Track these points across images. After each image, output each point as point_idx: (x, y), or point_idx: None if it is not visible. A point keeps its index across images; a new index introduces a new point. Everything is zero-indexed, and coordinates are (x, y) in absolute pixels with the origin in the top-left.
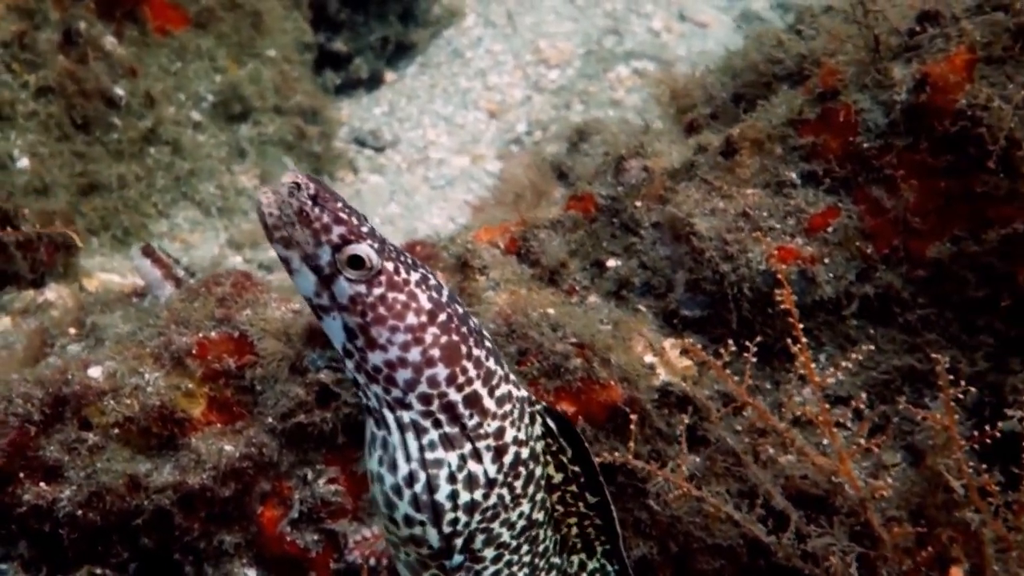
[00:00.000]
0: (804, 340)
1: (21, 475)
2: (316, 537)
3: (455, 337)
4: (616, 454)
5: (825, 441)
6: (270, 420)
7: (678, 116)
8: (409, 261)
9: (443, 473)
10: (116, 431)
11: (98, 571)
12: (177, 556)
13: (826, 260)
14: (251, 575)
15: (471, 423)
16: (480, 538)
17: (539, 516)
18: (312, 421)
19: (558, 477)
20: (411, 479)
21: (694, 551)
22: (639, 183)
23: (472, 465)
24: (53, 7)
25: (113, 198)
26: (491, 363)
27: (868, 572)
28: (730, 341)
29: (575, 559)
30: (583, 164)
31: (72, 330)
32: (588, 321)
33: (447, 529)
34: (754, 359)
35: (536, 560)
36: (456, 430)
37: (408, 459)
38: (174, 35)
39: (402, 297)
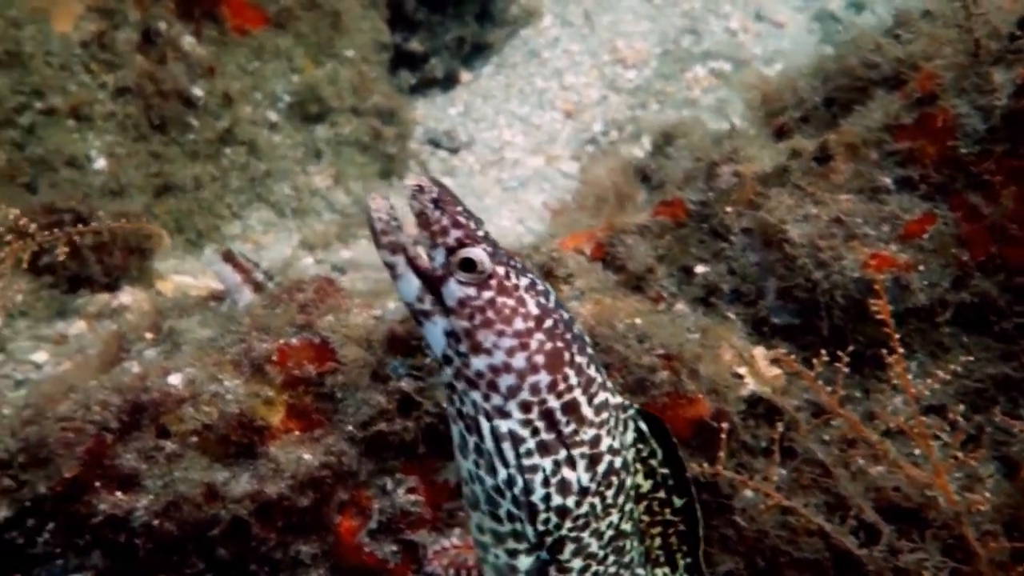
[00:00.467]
0: (901, 351)
1: (97, 484)
2: (394, 548)
3: (559, 343)
4: (705, 466)
5: (917, 451)
6: (350, 428)
7: (767, 119)
8: (519, 266)
9: (538, 477)
10: (194, 439)
11: None
12: (253, 567)
13: (921, 267)
14: None
15: (567, 430)
16: (569, 547)
17: (627, 527)
18: (393, 430)
19: (646, 485)
20: (510, 482)
21: (781, 565)
22: (730, 188)
23: (566, 471)
24: (133, 7)
25: (188, 199)
26: (591, 370)
27: None
28: (823, 352)
29: (659, 572)
30: (668, 168)
31: (149, 335)
32: (676, 330)
33: (540, 527)
34: (846, 369)
35: (621, 571)
36: (552, 436)
37: (506, 464)
38: (252, 34)
39: (511, 302)
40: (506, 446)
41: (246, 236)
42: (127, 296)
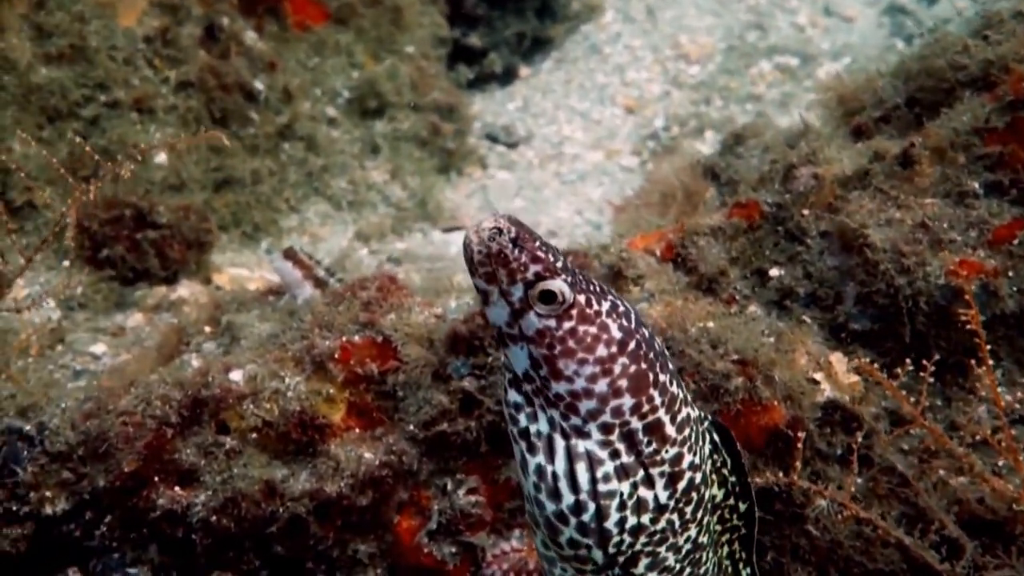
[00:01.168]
0: (990, 361)
1: (156, 479)
2: (453, 550)
3: (643, 365)
4: (780, 475)
5: (1001, 463)
6: (411, 427)
7: (844, 118)
8: (599, 289)
9: (614, 503)
10: (254, 436)
11: None
12: (309, 565)
13: (1010, 273)
14: None
15: (648, 450)
16: (644, 561)
17: (704, 539)
18: (455, 430)
19: (719, 494)
20: (578, 509)
21: None
22: (808, 190)
23: (643, 491)
24: (196, 3)
25: (246, 193)
26: (674, 387)
27: None
28: (908, 360)
29: None
30: (738, 167)
31: (207, 328)
32: (750, 335)
33: (612, 550)
34: (931, 379)
35: None
36: (632, 459)
37: (576, 490)
38: (313, 30)
39: (593, 330)
40: (580, 467)
41: (303, 229)
42: (184, 289)
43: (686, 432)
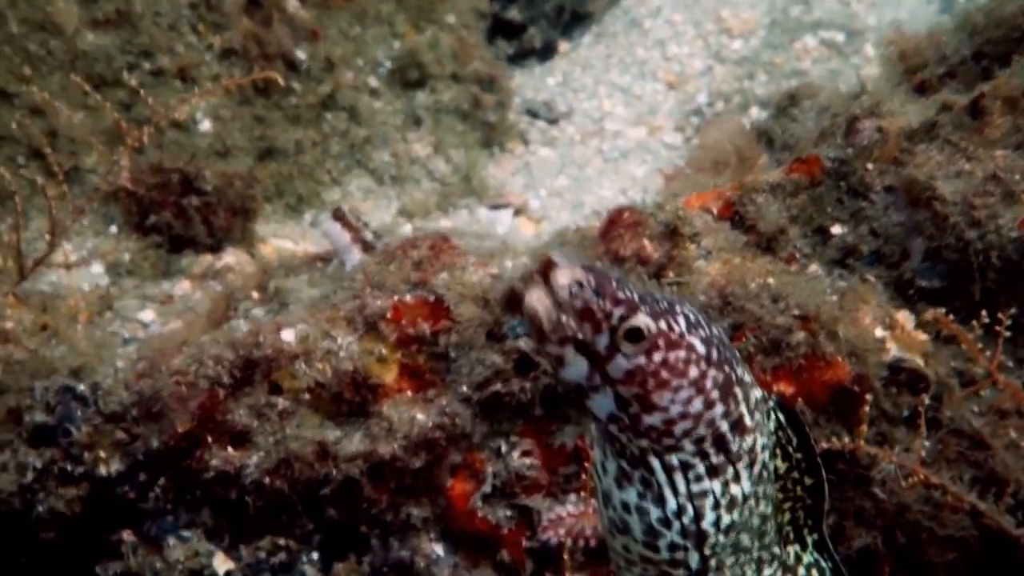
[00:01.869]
0: None
1: (209, 439)
2: (508, 513)
3: (726, 369)
4: (846, 440)
5: None
6: (464, 388)
7: (905, 76)
8: (668, 306)
9: (708, 502)
10: (307, 396)
11: (281, 542)
12: (363, 528)
13: None
14: (438, 550)
15: (735, 447)
16: (728, 550)
17: (769, 511)
18: (510, 391)
19: (783, 467)
20: (680, 512)
21: (923, 542)
22: (871, 144)
23: (733, 488)
24: None
25: (289, 164)
26: (745, 375)
27: None
28: (983, 312)
29: (791, 550)
30: (793, 129)
31: (255, 294)
32: (812, 291)
33: (707, 552)
34: (1007, 333)
35: (763, 554)
36: (722, 458)
37: (676, 494)
38: None
39: (682, 354)
40: (677, 476)
41: (346, 202)
42: (230, 257)
43: (758, 416)
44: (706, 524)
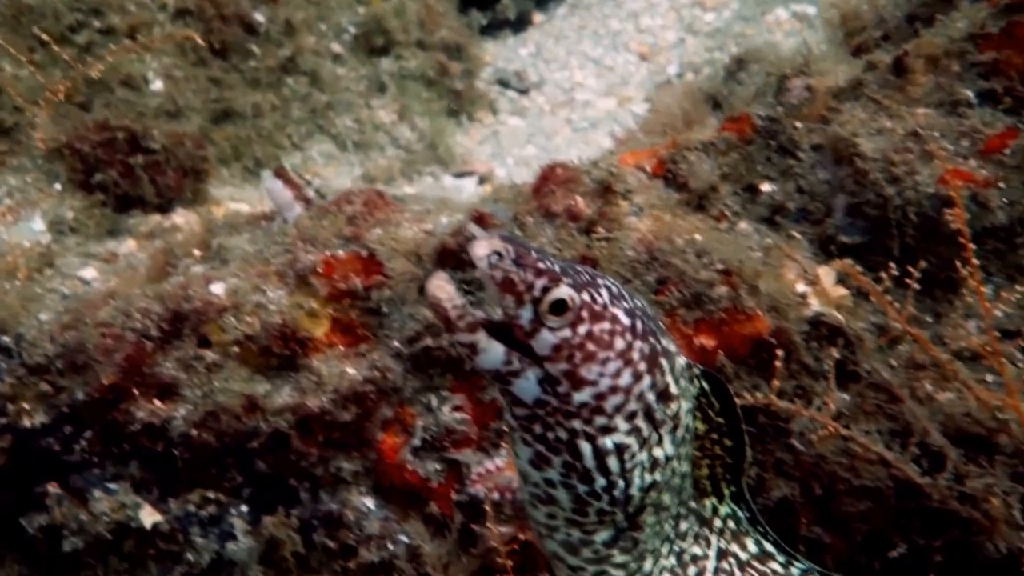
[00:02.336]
0: (975, 262)
1: (136, 392)
2: (438, 467)
3: (651, 339)
4: (759, 395)
5: (989, 379)
6: (395, 343)
7: (846, 39)
8: (587, 278)
9: (638, 472)
10: (235, 349)
11: (211, 495)
12: (293, 482)
13: (1001, 184)
14: (369, 504)
15: (660, 416)
16: (649, 510)
17: (687, 468)
18: (440, 345)
19: (702, 428)
20: (610, 487)
21: (839, 493)
22: (801, 103)
23: (656, 451)
24: None
25: (247, 127)
26: (670, 345)
27: None
28: (892, 264)
29: (708, 503)
30: (740, 92)
31: (197, 252)
32: (737, 247)
33: (632, 511)
34: (917, 286)
35: (680, 510)
36: (651, 430)
37: (607, 474)
38: None
39: (607, 325)
40: (611, 460)
41: (307, 168)
42: (180, 218)
43: (683, 383)
44: (634, 490)
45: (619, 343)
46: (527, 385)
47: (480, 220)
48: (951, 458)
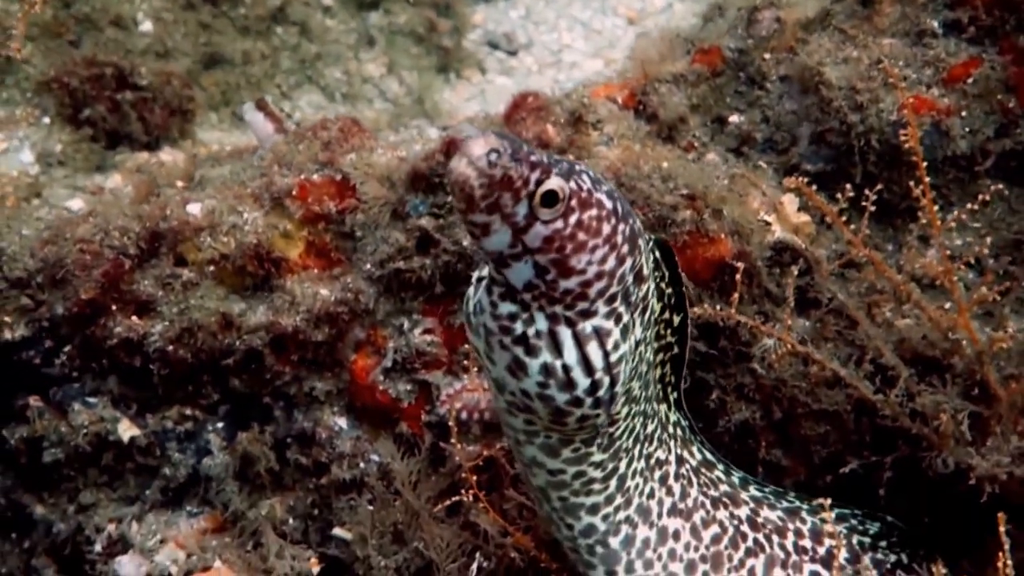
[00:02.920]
0: (927, 180)
1: (113, 308)
2: (408, 387)
3: (630, 220)
4: (719, 308)
5: (948, 306)
6: (368, 267)
7: None
8: (568, 166)
9: (623, 364)
10: (211, 268)
11: (187, 411)
12: (267, 400)
13: (963, 113)
14: (341, 423)
15: (635, 298)
16: (621, 400)
17: (650, 356)
18: (411, 268)
19: (658, 308)
20: (594, 388)
21: (798, 416)
22: (770, 34)
23: (633, 337)
24: None
25: (236, 73)
26: (638, 222)
27: (980, 433)
28: (848, 186)
29: (661, 408)
30: (714, 30)
31: (180, 183)
32: (702, 174)
33: (616, 409)
34: (872, 207)
35: (647, 407)
36: (629, 314)
37: (591, 372)
38: None
39: (594, 211)
40: (592, 347)
41: (296, 117)
42: (166, 155)
43: (651, 263)
44: (619, 387)
45: (606, 228)
46: (523, 269)
47: (451, 145)
48: (903, 376)
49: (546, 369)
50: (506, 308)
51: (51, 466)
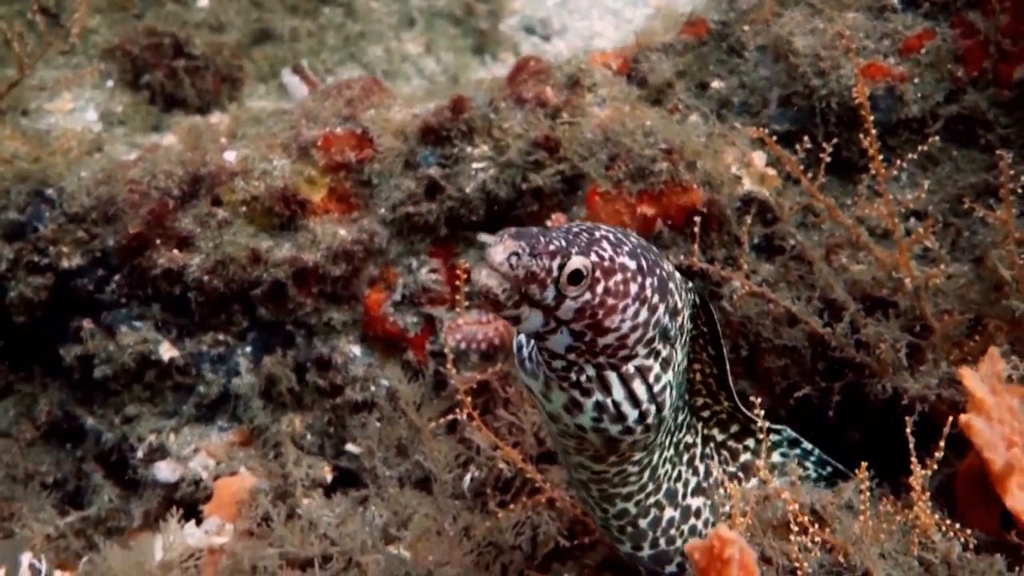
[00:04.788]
0: (873, 133)
1: (157, 242)
2: (415, 320)
3: (657, 270)
4: (682, 257)
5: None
6: (382, 211)
7: None
8: (586, 237)
9: (667, 393)
10: (243, 209)
11: (220, 337)
12: (290, 328)
13: (916, 80)
14: (356, 351)
15: (673, 333)
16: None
17: (684, 362)
18: (419, 212)
19: (690, 328)
20: (643, 417)
21: (762, 351)
22: (750, 8)
23: (675, 364)
24: None
25: (284, 48)
26: (668, 264)
27: (917, 362)
28: (806, 138)
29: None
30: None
31: (224, 139)
32: (681, 131)
33: (664, 428)
34: (830, 161)
35: (679, 402)
36: (668, 349)
37: (637, 404)
38: None
39: (619, 276)
40: (636, 384)
41: None
42: (216, 118)
43: (684, 295)
44: (667, 411)
45: (633, 288)
46: (561, 339)
47: (459, 102)
48: (849, 310)
49: (599, 406)
50: (557, 363)
51: (100, 382)
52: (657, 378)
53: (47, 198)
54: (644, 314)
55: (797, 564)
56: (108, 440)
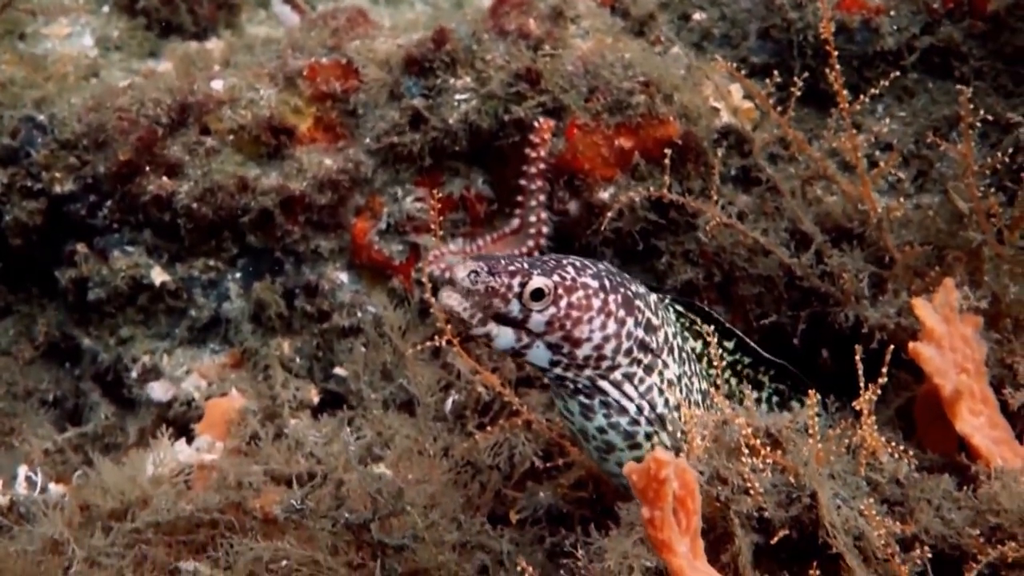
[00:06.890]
0: (838, 68)
1: (147, 168)
2: (400, 248)
3: (621, 289)
4: (653, 189)
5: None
6: (368, 141)
7: None
8: (553, 263)
9: (654, 393)
10: (231, 137)
11: (211, 262)
12: (279, 255)
13: (892, 12)
14: (343, 277)
15: (654, 344)
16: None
17: (706, 386)
18: (403, 142)
19: (698, 345)
20: (640, 410)
21: (736, 279)
22: None
23: (667, 373)
24: None
25: None
26: (640, 288)
27: (881, 291)
28: (776, 72)
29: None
30: None
31: (217, 67)
32: (660, 64)
33: (671, 427)
34: (804, 95)
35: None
36: (650, 357)
37: (631, 400)
38: None
39: (581, 292)
40: (627, 387)
41: None
42: (212, 44)
43: (660, 314)
44: (660, 408)
45: (596, 302)
46: (539, 353)
47: (442, 34)
48: (816, 241)
49: (604, 403)
50: (554, 377)
51: (95, 304)
52: (642, 380)
53: (39, 124)
54: (612, 326)
55: (749, 484)
56: (104, 360)
